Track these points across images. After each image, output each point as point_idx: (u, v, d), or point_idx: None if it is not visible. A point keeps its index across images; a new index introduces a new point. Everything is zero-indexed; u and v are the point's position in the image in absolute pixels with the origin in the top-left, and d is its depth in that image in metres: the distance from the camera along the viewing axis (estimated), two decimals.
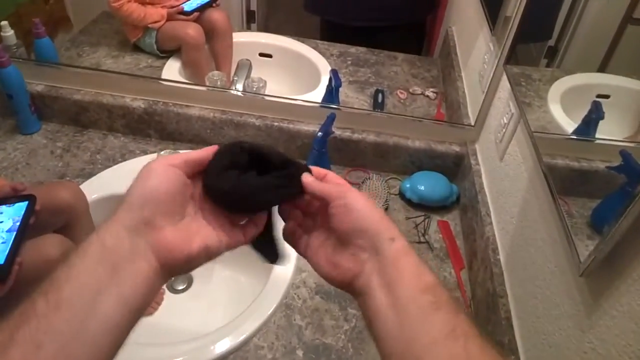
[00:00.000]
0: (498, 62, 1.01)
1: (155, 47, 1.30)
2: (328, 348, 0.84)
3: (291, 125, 1.18)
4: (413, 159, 1.19)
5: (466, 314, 0.40)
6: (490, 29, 1.05)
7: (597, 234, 0.57)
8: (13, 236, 0.75)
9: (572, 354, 0.61)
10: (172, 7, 1.27)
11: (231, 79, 1.29)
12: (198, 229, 0.43)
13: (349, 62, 1.41)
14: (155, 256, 0.39)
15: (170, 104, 1.20)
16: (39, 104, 1.21)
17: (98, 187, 1.05)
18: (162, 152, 1.08)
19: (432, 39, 1.50)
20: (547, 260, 0.72)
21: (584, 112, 0.70)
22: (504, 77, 1.00)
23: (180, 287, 1.06)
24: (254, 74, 1.28)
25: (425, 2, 1.50)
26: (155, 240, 0.40)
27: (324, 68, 1.36)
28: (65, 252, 0.78)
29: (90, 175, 1.10)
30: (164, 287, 1.06)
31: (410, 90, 1.34)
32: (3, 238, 0.74)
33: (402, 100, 1.32)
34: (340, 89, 1.23)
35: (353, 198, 0.44)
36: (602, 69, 0.72)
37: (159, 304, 1.01)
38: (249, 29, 1.46)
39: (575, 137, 0.73)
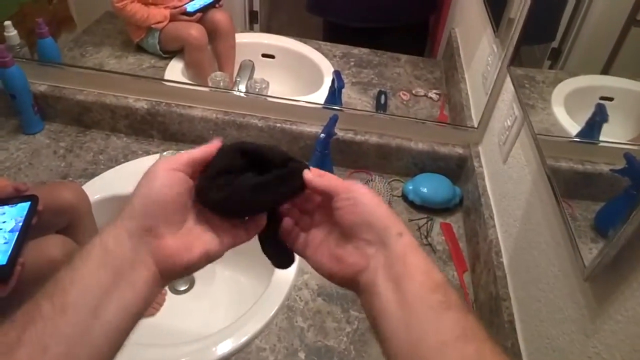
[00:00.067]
0: (502, 64, 1.00)
1: (158, 47, 1.30)
2: (330, 350, 0.84)
3: (294, 127, 1.18)
4: (416, 160, 1.19)
5: (475, 315, 0.39)
6: (494, 31, 1.05)
7: (601, 237, 0.57)
8: (15, 236, 0.74)
9: (576, 359, 0.61)
10: (175, 7, 1.27)
11: (234, 79, 1.29)
12: (199, 235, 0.43)
13: (352, 63, 1.41)
14: (155, 263, 0.40)
15: (173, 105, 1.20)
16: (42, 104, 1.21)
17: (100, 187, 1.05)
18: (165, 153, 1.07)
19: (436, 41, 1.50)
20: (551, 264, 0.72)
21: (587, 115, 0.69)
22: (508, 79, 1.00)
23: (182, 288, 1.06)
24: (257, 75, 1.28)
25: (428, 3, 1.50)
26: (157, 248, 0.40)
27: (327, 69, 1.36)
28: (68, 253, 0.78)
29: (92, 175, 1.10)
30: (166, 287, 1.06)
31: (413, 91, 1.34)
32: (5, 238, 0.74)
33: (405, 102, 1.31)
34: (343, 90, 1.23)
35: (360, 192, 0.43)
36: (605, 71, 0.72)
37: (161, 305, 1.01)
38: (251, 29, 1.46)
39: (579, 139, 0.73)
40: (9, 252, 0.72)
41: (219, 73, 1.27)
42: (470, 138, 1.16)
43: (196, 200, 0.44)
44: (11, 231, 0.75)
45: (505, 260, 0.89)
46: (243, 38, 1.39)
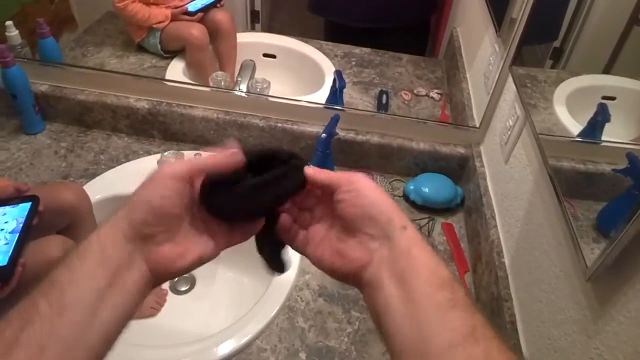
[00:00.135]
0: (503, 63, 1.00)
1: (159, 47, 1.30)
2: (331, 351, 0.84)
3: (295, 127, 1.18)
4: (417, 160, 1.19)
5: (482, 313, 0.38)
6: (496, 30, 1.04)
7: (603, 237, 0.56)
8: (16, 237, 0.75)
9: None
10: (177, 7, 1.27)
11: (235, 79, 1.29)
12: (195, 240, 0.42)
13: (353, 63, 1.41)
14: (149, 268, 0.40)
15: (174, 105, 1.20)
16: (43, 104, 1.21)
17: (102, 187, 1.05)
18: (166, 153, 1.07)
19: (437, 40, 1.50)
20: (553, 264, 0.71)
21: (589, 114, 0.69)
22: (510, 79, 0.99)
23: (183, 289, 1.06)
24: (258, 75, 1.28)
25: (429, 3, 1.49)
26: (151, 255, 0.40)
27: (328, 69, 1.36)
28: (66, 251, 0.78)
29: (94, 175, 1.10)
30: (167, 288, 1.06)
31: (415, 91, 1.34)
32: (6, 239, 0.74)
33: (406, 102, 1.31)
34: (345, 90, 1.22)
35: (363, 184, 0.42)
36: (607, 70, 0.72)
37: (161, 305, 1.00)
38: (253, 29, 1.46)
39: (581, 139, 0.73)
40: (10, 252, 0.73)
41: (220, 73, 1.27)
42: (471, 138, 1.16)
43: (199, 202, 0.43)
44: (12, 232, 0.75)
45: (506, 260, 0.89)
46: (244, 38, 1.39)
